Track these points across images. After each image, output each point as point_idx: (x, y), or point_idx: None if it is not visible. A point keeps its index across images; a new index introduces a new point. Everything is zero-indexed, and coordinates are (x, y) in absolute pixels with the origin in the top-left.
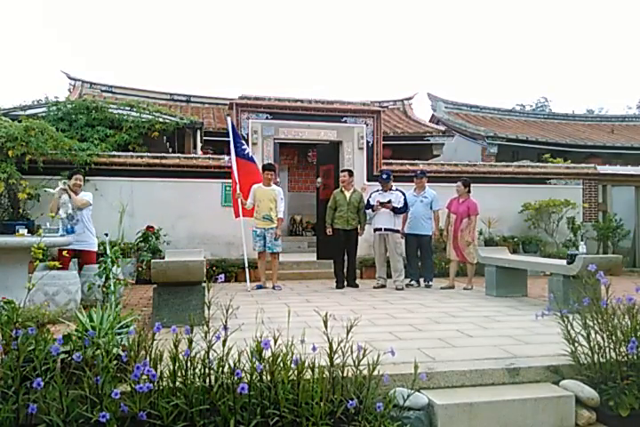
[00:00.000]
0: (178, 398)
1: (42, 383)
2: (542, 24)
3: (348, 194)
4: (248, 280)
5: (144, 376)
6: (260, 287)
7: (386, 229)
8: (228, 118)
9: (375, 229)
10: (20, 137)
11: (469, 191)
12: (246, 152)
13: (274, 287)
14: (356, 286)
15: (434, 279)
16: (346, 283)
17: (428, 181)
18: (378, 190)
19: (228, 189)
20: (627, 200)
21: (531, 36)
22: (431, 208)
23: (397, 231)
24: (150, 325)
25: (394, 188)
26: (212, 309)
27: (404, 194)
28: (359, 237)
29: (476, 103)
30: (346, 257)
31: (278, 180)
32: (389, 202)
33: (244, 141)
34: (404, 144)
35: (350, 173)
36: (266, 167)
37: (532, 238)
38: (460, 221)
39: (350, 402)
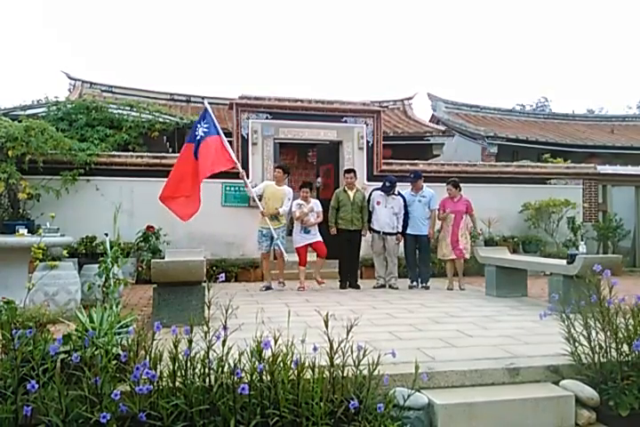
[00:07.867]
0: (177, 398)
1: (36, 386)
2: (542, 24)
3: (351, 193)
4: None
5: (143, 377)
6: (268, 288)
7: (384, 233)
8: (206, 101)
9: (373, 230)
10: (20, 137)
11: (460, 190)
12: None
13: (280, 283)
14: (358, 286)
15: (434, 279)
16: (347, 283)
17: (428, 182)
18: (377, 189)
19: (227, 188)
20: (627, 200)
21: (531, 36)
22: (429, 207)
23: (395, 234)
24: (150, 325)
25: (396, 192)
26: (211, 309)
27: (403, 198)
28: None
29: (476, 103)
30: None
31: None
32: (399, 234)
33: (214, 123)
34: (404, 144)
35: (355, 173)
36: (284, 169)
37: (532, 238)
38: (460, 219)
39: (352, 403)
